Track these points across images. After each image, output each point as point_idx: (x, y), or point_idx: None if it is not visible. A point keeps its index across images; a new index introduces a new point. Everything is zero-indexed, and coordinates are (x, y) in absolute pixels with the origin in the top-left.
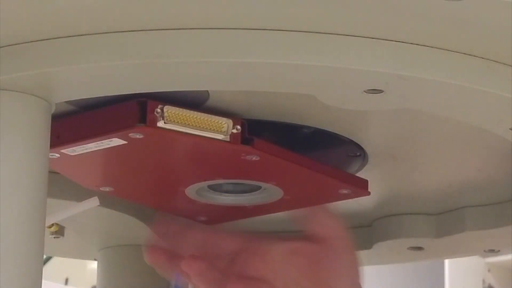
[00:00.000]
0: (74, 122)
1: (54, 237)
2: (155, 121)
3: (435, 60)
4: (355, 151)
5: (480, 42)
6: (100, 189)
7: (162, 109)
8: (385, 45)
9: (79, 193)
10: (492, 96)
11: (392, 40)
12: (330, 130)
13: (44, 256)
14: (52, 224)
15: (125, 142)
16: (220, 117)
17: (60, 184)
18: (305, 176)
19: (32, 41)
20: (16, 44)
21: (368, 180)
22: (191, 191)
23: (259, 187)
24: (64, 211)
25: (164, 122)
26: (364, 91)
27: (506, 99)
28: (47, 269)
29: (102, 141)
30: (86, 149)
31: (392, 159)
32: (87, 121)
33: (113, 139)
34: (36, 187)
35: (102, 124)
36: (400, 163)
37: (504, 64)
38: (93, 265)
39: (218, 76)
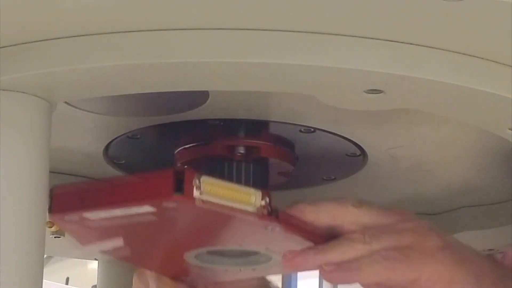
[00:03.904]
0: (102, 187)
1: (55, 237)
2: (192, 191)
3: (435, 60)
4: (355, 151)
5: (480, 42)
6: (99, 251)
7: (199, 179)
8: (385, 45)
9: None
10: (492, 96)
11: (392, 40)
12: (330, 130)
13: (45, 256)
14: (53, 224)
15: (154, 209)
16: (250, 188)
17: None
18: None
19: (32, 41)
20: (16, 44)
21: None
22: (190, 255)
23: (257, 252)
24: None
25: (200, 193)
26: (364, 91)
27: (506, 99)
28: (47, 268)
29: (132, 208)
30: (111, 214)
31: (392, 159)
32: (118, 188)
33: (144, 206)
34: (36, 187)
35: (135, 191)
36: (400, 163)
37: (504, 64)
38: (94, 264)
39: (218, 76)
